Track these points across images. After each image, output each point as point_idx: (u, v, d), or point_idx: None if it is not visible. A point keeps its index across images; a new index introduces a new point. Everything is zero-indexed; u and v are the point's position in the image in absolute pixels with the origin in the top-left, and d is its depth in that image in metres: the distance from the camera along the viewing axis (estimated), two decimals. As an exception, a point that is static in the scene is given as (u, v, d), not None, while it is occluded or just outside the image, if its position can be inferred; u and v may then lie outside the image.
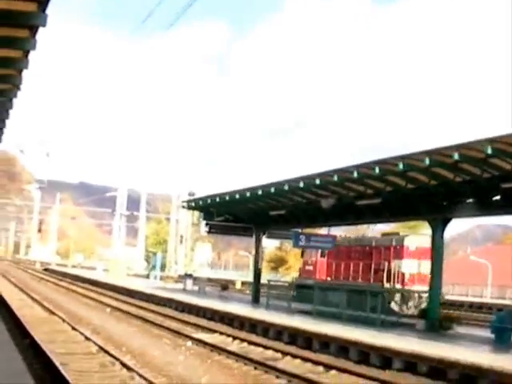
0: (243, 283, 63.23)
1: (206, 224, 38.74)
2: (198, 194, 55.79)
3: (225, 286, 48.15)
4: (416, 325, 24.24)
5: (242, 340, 22.20)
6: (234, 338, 22.77)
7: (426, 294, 26.62)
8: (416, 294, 28.67)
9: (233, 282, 67.08)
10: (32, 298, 34.70)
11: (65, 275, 68.23)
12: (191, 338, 21.86)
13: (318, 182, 24.88)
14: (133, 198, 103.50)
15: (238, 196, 31.22)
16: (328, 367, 17.09)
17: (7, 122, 18.14)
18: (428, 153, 19.45)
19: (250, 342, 21.66)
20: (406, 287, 32.21)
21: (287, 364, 17.77)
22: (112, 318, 28.21)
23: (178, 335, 22.84)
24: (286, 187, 27.17)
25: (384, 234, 36.17)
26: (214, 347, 19.93)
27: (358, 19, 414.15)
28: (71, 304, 34.31)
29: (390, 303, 27.92)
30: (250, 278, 43.08)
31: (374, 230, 67.73)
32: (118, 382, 13.83)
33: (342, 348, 19.39)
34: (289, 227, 34.05)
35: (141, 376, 14.10)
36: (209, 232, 39.20)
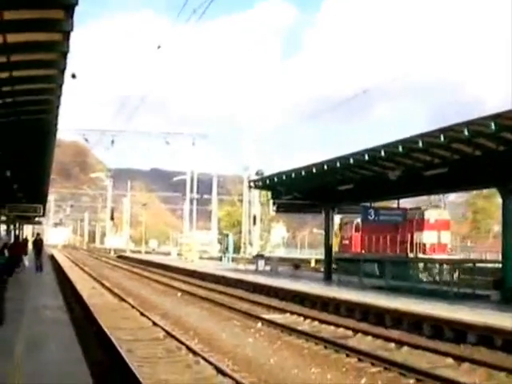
0: (317, 261, 62.76)
1: (274, 203, 38.53)
2: (267, 173, 55.66)
3: (297, 264, 47.95)
4: (490, 296, 23.51)
5: (313, 319, 21.96)
6: (305, 317, 22.56)
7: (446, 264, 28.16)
8: (437, 264, 29.25)
9: (308, 261, 66.88)
10: (104, 286, 35.23)
11: (138, 261, 69.32)
12: (261, 319, 21.71)
13: (382, 153, 24.31)
14: (204, 181, 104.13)
15: (304, 173, 30.90)
16: (400, 343, 16.67)
17: (62, 109, 18.35)
18: (494, 117, 18.64)
19: (321, 321, 21.40)
20: (427, 256, 35.13)
21: (358, 342, 17.43)
22: (182, 302, 28.33)
23: (249, 317, 22.72)
24: (352, 161, 26.70)
25: (409, 209, 37.55)
26: (284, 327, 19.72)
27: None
28: (142, 290, 34.69)
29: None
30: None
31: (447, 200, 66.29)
32: (182, 367, 13.73)
33: (415, 323, 18.90)
34: (357, 202, 33.54)
35: (206, 360, 13.99)
36: (277, 211, 39.04)
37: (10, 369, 9.62)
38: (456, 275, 25.46)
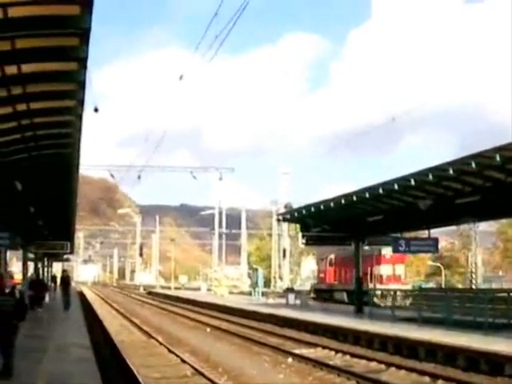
0: (349, 293, 62.05)
1: (303, 236, 38.20)
2: (296, 206, 55.41)
3: (327, 298, 47.48)
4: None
5: (345, 353, 21.58)
6: (337, 351, 22.18)
7: (399, 292, 37.52)
8: (392, 292, 35.71)
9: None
10: (132, 323, 35.06)
11: (167, 297, 69.15)
12: (292, 354, 21.37)
13: (412, 182, 23.96)
14: (233, 215, 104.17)
15: (332, 204, 30.63)
16: (434, 376, 16.22)
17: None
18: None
19: (353, 355, 21.01)
20: (383, 286, 44.96)
21: (391, 376, 17.01)
22: (211, 338, 28.04)
23: (279, 352, 22.38)
24: (381, 190, 26.35)
25: (370, 247, 44.81)
26: (315, 362, 19.36)
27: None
28: (171, 326, 34.45)
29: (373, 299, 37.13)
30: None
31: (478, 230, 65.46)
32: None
33: (449, 355, 18.42)
34: (387, 232, 33.16)
35: (234, 397, 13.69)
36: (306, 244, 38.66)
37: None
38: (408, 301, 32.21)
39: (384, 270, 47.96)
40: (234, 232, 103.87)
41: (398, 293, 36.87)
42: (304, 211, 34.99)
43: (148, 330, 30.10)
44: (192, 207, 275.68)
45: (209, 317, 40.51)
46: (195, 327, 33.99)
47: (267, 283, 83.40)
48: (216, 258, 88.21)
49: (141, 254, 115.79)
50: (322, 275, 56.24)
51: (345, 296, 42.82)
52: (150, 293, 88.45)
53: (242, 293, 78.68)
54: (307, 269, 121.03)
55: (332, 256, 54.99)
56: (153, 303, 59.43)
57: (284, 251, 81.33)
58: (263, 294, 62.52)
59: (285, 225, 78.83)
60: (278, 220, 52.60)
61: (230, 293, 72.56)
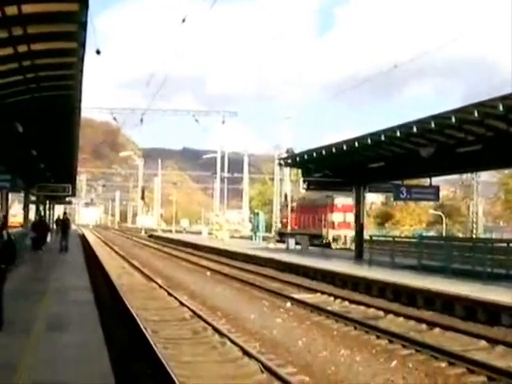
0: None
1: (305, 181, 38.09)
2: (298, 152, 55.16)
3: (328, 243, 47.68)
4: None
5: (344, 299, 21.67)
6: (336, 297, 22.28)
7: (349, 236, 48.66)
8: (342, 236, 49.28)
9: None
10: (132, 265, 35.23)
11: (168, 241, 69.56)
12: (291, 299, 21.47)
13: (415, 130, 23.71)
14: (235, 160, 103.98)
15: (334, 150, 30.37)
16: (432, 324, 16.30)
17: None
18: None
19: (352, 301, 21.09)
20: (336, 231, 54.99)
21: (389, 322, 17.10)
22: (211, 282, 28.19)
23: (278, 296, 22.50)
24: (383, 137, 26.11)
25: (326, 196, 55.72)
26: (314, 307, 19.44)
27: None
28: (171, 269, 34.64)
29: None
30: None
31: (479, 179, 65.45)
32: (208, 348, 13.52)
33: (447, 304, 18.49)
34: (389, 179, 33.02)
35: (232, 341, 13.76)
36: (307, 189, 38.60)
37: (25, 347, 9.45)
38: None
39: (336, 217, 56.14)
40: (236, 176, 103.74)
41: (348, 237, 49.26)
42: (306, 156, 34.78)
43: (148, 273, 30.26)
44: (194, 151, 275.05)
45: (209, 261, 40.74)
46: (195, 271, 34.19)
47: (268, 228, 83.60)
48: (218, 202, 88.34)
49: (143, 198, 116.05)
50: (284, 220, 66.71)
51: (305, 239, 47.77)
52: (151, 236, 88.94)
53: (242, 237, 79.11)
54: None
55: (294, 203, 66.35)
56: (154, 246, 59.75)
57: (285, 196, 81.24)
58: (264, 238, 62.83)
59: (287, 170, 78.51)
60: (280, 165, 52.32)
61: (231, 237, 72.90)
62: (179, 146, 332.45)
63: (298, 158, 37.21)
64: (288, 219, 63.97)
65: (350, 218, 52.81)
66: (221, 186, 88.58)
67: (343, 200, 56.09)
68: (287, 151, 69.73)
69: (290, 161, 40.63)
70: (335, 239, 48.26)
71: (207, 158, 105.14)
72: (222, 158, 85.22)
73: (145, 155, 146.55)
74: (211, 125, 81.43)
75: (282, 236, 62.29)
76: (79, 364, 8.73)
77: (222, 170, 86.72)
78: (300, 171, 40.04)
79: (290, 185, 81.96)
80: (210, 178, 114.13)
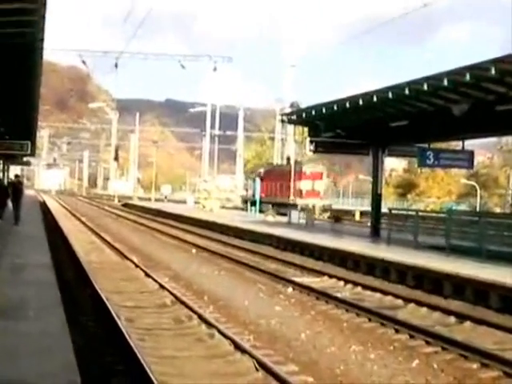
0: (363, 214, 62.73)
1: (312, 142, 38.00)
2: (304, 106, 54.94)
3: (338, 217, 47.80)
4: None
5: (356, 284, 21.76)
6: (346, 281, 22.38)
7: (318, 206, 56.62)
8: (310, 205, 53.73)
9: (351, 213, 66.69)
10: (103, 240, 35.27)
11: (147, 211, 69.80)
12: (293, 283, 21.57)
13: (445, 83, 23.57)
14: (228, 114, 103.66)
15: (348, 105, 30.28)
16: (461, 317, 16.34)
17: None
18: None
19: (366, 286, 21.18)
20: (303, 200, 60.28)
21: (410, 313, 17.14)
22: (197, 261, 28.28)
23: (277, 280, 22.59)
24: (407, 91, 26.01)
25: (295, 162, 65.24)
26: (320, 293, 19.51)
27: None
28: (149, 245, 34.74)
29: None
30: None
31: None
32: (192, 341, 13.55)
33: (481, 293, 18.52)
34: (414, 142, 32.98)
35: (221, 333, 13.77)
36: (315, 151, 38.58)
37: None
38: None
39: (304, 185, 63.53)
40: (230, 134, 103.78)
41: (317, 206, 55.46)
42: (314, 112, 34.65)
43: (122, 249, 30.32)
44: (179, 103, 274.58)
45: (195, 235, 40.84)
46: (178, 247, 34.29)
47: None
48: (206, 166, 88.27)
49: (116, 158, 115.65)
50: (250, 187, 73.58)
51: (270, 208, 55.11)
52: (125, 205, 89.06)
53: (236, 208, 79.18)
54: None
55: (261, 170, 74.08)
56: (129, 217, 59.83)
57: (288, 159, 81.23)
58: (261, 210, 62.96)
59: (290, 128, 78.52)
60: (283, 121, 52.39)
61: (222, 207, 73.01)
62: (161, 97, 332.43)
63: (304, 114, 37.14)
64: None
65: (319, 186, 64.79)
66: (210, 145, 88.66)
67: (312, 167, 66.03)
68: (291, 105, 69.80)
69: (294, 117, 40.53)
70: (303, 209, 51.56)
71: (195, 111, 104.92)
72: (213, 111, 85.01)
73: (120, 107, 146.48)
74: (200, 72, 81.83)
75: (246, 203, 72.09)
76: (38, 358, 8.68)
77: (213, 126, 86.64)
78: (306, 130, 39.93)
79: (294, 146, 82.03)
80: (198, 135, 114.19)
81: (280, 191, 66.68)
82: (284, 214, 52.01)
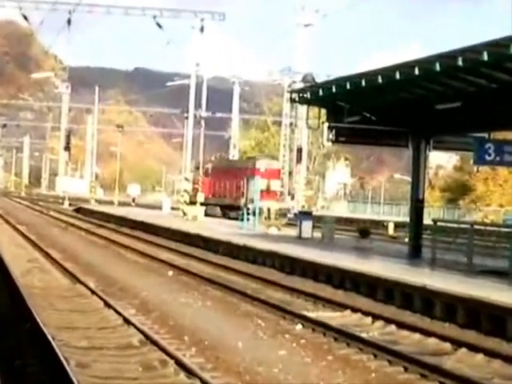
0: (398, 226, 62.81)
1: (331, 128, 37.99)
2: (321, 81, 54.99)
3: (365, 230, 47.86)
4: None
5: (388, 321, 21.79)
6: (375, 316, 22.43)
7: (274, 209, 59.31)
8: (265, 209, 58.15)
9: (383, 225, 66.66)
10: (49, 257, 35.36)
11: (107, 219, 70.35)
12: (303, 318, 21.61)
13: (512, 50, 23.65)
14: (219, 90, 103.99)
15: (380, 79, 30.35)
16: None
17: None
18: None
19: (401, 324, 21.20)
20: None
21: (461, 363, 17.15)
22: (175, 287, 28.37)
23: (282, 313, 22.63)
24: (460, 61, 26.09)
25: (247, 158, 69.49)
26: (340, 333, 19.55)
27: None
28: (111, 265, 34.82)
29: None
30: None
31: None
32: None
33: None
34: (468, 130, 33.05)
35: (207, 385, 13.83)
36: (335, 141, 38.52)
37: None
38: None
39: (258, 184, 66.47)
40: (221, 116, 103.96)
41: (273, 210, 59.11)
42: (334, 88, 34.76)
43: (74, 269, 30.43)
44: (153, 74, 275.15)
45: (173, 252, 41.10)
46: (150, 268, 34.39)
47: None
48: (189, 159, 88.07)
49: (67, 148, 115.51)
50: (196, 187, 77.06)
51: (218, 211, 61.96)
52: (79, 210, 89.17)
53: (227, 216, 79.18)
54: (335, 181, 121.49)
55: (209, 165, 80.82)
56: (84, 227, 59.89)
57: (299, 151, 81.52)
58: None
59: (302, 109, 78.43)
60: (292, 100, 52.10)
61: (208, 215, 72.96)
62: (129, 66, 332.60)
63: (321, 91, 37.19)
64: (199, 185, 76.13)
65: (276, 185, 71.83)
66: (195, 131, 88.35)
67: (267, 162, 73.33)
68: (304, 79, 69.92)
69: (308, 95, 40.53)
70: (254, 212, 56.04)
71: (174, 85, 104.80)
72: (199, 86, 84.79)
73: (73, 79, 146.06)
74: (182, 33, 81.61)
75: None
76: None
77: (198, 105, 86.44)
78: (324, 112, 39.99)
79: (307, 133, 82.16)
80: (178, 118, 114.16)
81: (230, 191, 73.97)
82: (235, 219, 57.83)
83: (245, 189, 70.39)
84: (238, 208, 65.43)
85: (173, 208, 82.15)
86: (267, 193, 67.47)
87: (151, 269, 34.13)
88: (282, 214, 63.32)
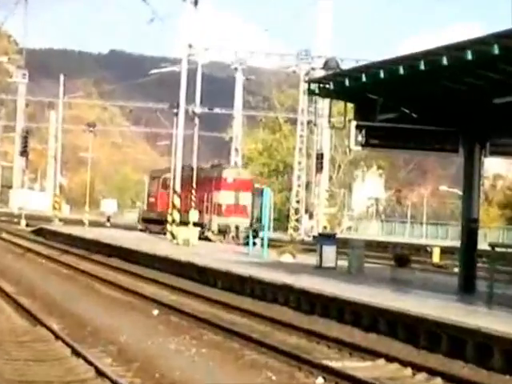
0: (445, 251, 63.02)
1: (360, 127, 38.10)
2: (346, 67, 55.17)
3: (403, 257, 48.09)
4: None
5: (433, 372, 21.75)
6: (417, 367, 22.38)
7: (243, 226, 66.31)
8: (233, 226, 63.94)
9: (425, 249, 66.72)
10: (0, 291, 35.38)
11: (76, 243, 70.51)
12: (324, 370, 21.59)
13: None
14: (217, 80, 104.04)
15: (423, 66, 30.41)
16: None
17: None
18: None
19: (450, 378, 21.17)
20: (223, 219, 70.57)
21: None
22: (162, 329, 28.43)
23: (298, 363, 22.62)
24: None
25: (211, 166, 72.77)
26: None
27: None
28: (80, 301, 34.92)
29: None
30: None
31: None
32: None
33: None
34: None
35: None
36: (365, 144, 38.57)
37: None
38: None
39: (224, 197, 73.99)
40: (219, 113, 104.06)
41: (242, 228, 65.46)
42: (364, 76, 34.80)
43: (32, 306, 30.45)
44: (134, 59, 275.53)
45: (159, 285, 41.11)
46: (130, 306, 34.39)
47: (281, 221, 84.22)
48: (179, 166, 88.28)
49: (24, 152, 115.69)
50: (152, 200, 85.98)
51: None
52: (39, 231, 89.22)
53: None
54: (365, 195, 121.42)
55: (167, 175, 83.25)
56: (44, 253, 60.10)
57: (319, 157, 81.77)
58: (271, 243, 63.19)
59: (324, 104, 78.60)
60: (311, 93, 52.04)
61: (203, 238, 73.08)
62: (103, 49, 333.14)
63: (347, 80, 37.19)
64: (158, 198, 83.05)
65: (246, 199, 74.41)
66: (186, 132, 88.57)
67: (236, 172, 77.43)
68: (326, 66, 70.04)
69: (330, 85, 40.57)
70: (222, 230, 62.40)
71: (160, 73, 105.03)
72: (192, 74, 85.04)
73: (32, 65, 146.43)
74: (171, 8, 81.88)
75: (146, 223, 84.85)
76: None
77: (191, 99, 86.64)
78: (352, 107, 40.06)
79: (329, 134, 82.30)
80: (166, 115, 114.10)
81: (190, 206, 73.82)
82: (202, 239, 60.89)
83: (209, 203, 74.11)
84: (201, 226, 68.59)
85: (159, 231, 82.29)
86: (235, 207, 72.41)
87: (132, 306, 34.17)
88: (254, 231, 64.60)
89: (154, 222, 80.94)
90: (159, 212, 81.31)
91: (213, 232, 67.84)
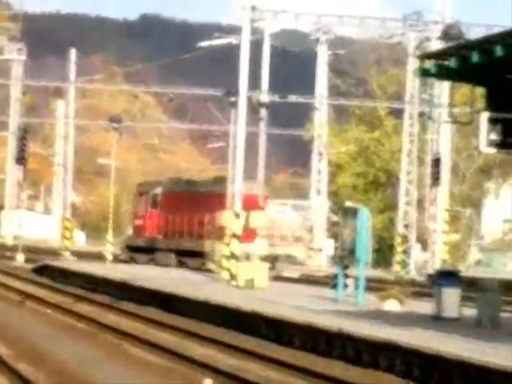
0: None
1: (494, 121, 38.21)
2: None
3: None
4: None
5: None
6: None
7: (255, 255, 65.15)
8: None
9: None
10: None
11: (96, 285, 70.38)
12: None
13: None
14: (295, 56, 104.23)
15: None
16: None
17: None
18: None
19: None
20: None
21: None
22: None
23: None
24: None
25: (214, 178, 74.83)
26: None
27: None
28: (103, 369, 34.93)
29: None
30: None
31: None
32: None
33: None
34: None
35: None
36: (501, 145, 38.76)
37: None
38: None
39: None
40: (297, 102, 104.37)
41: (254, 256, 66.64)
42: (500, 49, 34.79)
43: (35, 376, 30.45)
44: (174, 27, 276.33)
45: (213, 345, 41.18)
46: (172, 374, 34.37)
47: (383, 253, 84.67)
48: (239, 175, 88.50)
49: (22, 159, 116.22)
50: (139, 222, 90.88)
51: (172, 258, 70.80)
52: (43, 269, 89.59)
53: (309, 277, 79.53)
54: (500, 218, 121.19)
55: (158, 190, 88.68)
56: (51, 300, 60.34)
57: (436, 163, 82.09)
58: (369, 284, 63.28)
59: (442, 88, 78.71)
60: (424, 73, 52.22)
61: (276, 278, 73.25)
62: (132, 14, 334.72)
63: (475, 55, 37.21)
64: (146, 220, 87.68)
65: (259, 220, 76.12)
66: (250, 129, 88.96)
67: (246, 186, 76.91)
68: (446, 35, 70.11)
69: (452, 62, 40.65)
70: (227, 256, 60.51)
71: (210, 47, 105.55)
72: (256, 47, 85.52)
73: (32, 36, 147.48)
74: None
75: (132, 252, 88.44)
76: None
77: (255, 84, 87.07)
78: (483, 94, 40.09)
79: (449, 131, 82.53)
80: (219, 104, 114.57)
81: (188, 228, 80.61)
82: (198, 269, 65.66)
83: (209, 225, 76.80)
84: (201, 255, 72.91)
85: (206, 268, 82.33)
86: (245, 231, 72.16)
87: (176, 376, 34.21)
88: (273, 260, 70.94)
89: (141, 251, 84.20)
90: (148, 238, 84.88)
91: (215, 260, 70.26)
